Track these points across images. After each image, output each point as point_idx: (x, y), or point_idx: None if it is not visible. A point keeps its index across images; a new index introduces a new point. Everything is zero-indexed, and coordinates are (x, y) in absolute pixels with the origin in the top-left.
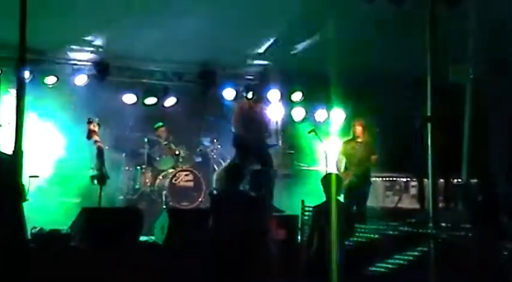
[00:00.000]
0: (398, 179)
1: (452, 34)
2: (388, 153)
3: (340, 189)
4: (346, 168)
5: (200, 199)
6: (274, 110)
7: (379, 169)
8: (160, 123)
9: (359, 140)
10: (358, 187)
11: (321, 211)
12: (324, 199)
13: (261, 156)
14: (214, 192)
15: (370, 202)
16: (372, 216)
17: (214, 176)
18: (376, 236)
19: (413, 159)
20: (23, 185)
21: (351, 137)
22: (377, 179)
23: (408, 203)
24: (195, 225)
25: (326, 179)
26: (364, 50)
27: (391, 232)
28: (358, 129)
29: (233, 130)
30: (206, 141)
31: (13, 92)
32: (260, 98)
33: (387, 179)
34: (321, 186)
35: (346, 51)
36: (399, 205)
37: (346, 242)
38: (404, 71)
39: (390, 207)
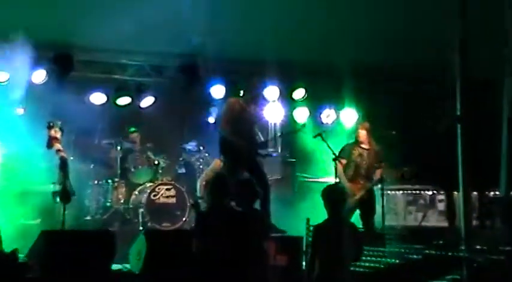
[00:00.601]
0: (422, 192)
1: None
2: (409, 161)
3: (344, 203)
4: (352, 178)
5: (184, 218)
6: (272, 111)
7: (399, 181)
8: (134, 128)
9: (364, 145)
10: (369, 202)
11: (322, 231)
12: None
13: (253, 165)
14: (201, 208)
15: (389, 220)
16: (390, 237)
17: (198, 183)
18: (397, 261)
19: (440, 169)
20: None
21: (353, 141)
22: (397, 192)
23: (435, 220)
24: (178, 250)
25: (328, 191)
26: (381, 39)
27: (414, 256)
28: (362, 133)
29: (221, 133)
30: (191, 149)
31: None
32: (255, 96)
33: (409, 192)
34: (322, 201)
35: (359, 41)
36: (424, 223)
37: (358, 269)
38: (428, 64)
39: (413, 225)
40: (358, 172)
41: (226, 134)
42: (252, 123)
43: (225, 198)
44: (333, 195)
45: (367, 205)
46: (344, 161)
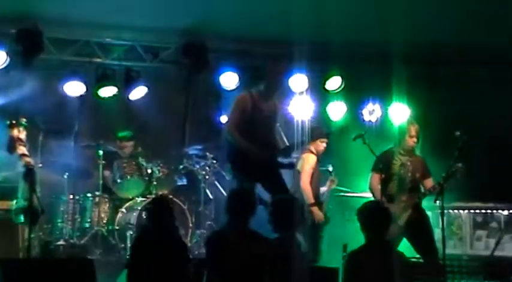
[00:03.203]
0: (496, 211)
1: None
2: (478, 173)
3: (389, 225)
4: (393, 197)
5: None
6: (299, 105)
7: (464, 196)
8: (125, 133)
9: (408, 153)
10: (419, 223)
11: (359, 259)
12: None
13: (271, 178)
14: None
15: (451, 248)
16: (454, 270)
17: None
18: None
19: None
20: None
21: (398, 146)
22: (461, 211)
23: None
24: None
25: (367, 209)
26: (443, 15)
27: None
28: (414, 132)
29: (228, 138)
30: (194, 154)
31: None
32: (275, 88)
33: (478, 211)
34: (358, 222)
35: (414, 14)
36: (498, 252)
37: None
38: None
39: (483, 255)
40: (400, 188)
41: (233, 140)
42: (269, 124)
43: (249, 220)
44: (373, 214)
45: (417, 227)
46: (380, 175)
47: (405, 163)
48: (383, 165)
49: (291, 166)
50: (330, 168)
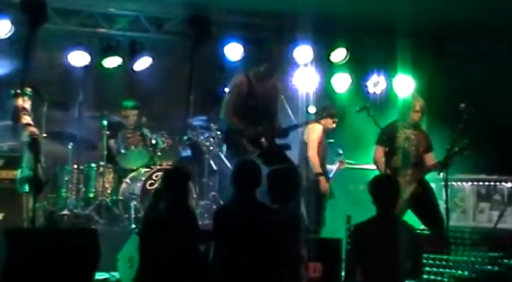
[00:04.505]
0: (499, 183)
1: None
2: (483, 145)
3: (398, 198)
4: (397, 170)
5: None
6: (304, 77)
7: (468, 168)
8: (131, 102)
9: (413, 127)
10: (425, 197)
11: (367, 232)
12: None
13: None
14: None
15: (455, 220)
16: (457, 242)
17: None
18: (465, 273)
19: None
20: None
21: (402, 119)
22: (465, 183)
23: None
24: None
25: (377, 182)
26: None
27: (489, 267)
28: (418, 107)
29: (225, 120)
30: (198, 125)
31: None
32: (273, 68)
33: (481, 183)
34: (369, 194)
35: None
36: (501, 225)
37: None
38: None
39: (486, 227)
40: (404, 161)
41: (230, 122)
42: (266, 107)
43: (255, 191)
44: (384, 187)
45: (423, 201)
46: (384, 148)
47: (409, 137)
48: (387, 138)
49: (287, 148)
50: (340, 152)
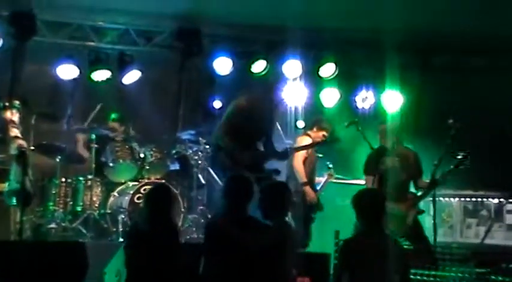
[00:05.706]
0: (486, 199)
1: None
2: (470, 160)
3: (384, 212)
4: (396, 197)
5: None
6: (293, 92)
7: (455, 184)
8: (115, 115)
9: (394, 148)
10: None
11: (355, 247)
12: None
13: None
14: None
15: (442, 236)
16: (444, 258)
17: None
18: None
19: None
20: None
21: (379, 147)
22: (452, 199)
23: (502, 237)
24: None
25: (362, 196)
26: (436, 3)
27: None
28: (382, 134)
29: (219, 143)
30: (186, 139)
31: None
32: (269, 90)
33: (468, 199)
34: (353, 209)
35: (407, 5)
36: (488, 240)
37: None
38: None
39: (473, 243)
40: (397, 187)
41: (224, 144)
42: (261, 132)
43: (247, 205)
44: (369, 201)
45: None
46: (371, 178)
47: (394, 163)
48: (372, 167)
49: (276, 172)
50: (330, 165)
